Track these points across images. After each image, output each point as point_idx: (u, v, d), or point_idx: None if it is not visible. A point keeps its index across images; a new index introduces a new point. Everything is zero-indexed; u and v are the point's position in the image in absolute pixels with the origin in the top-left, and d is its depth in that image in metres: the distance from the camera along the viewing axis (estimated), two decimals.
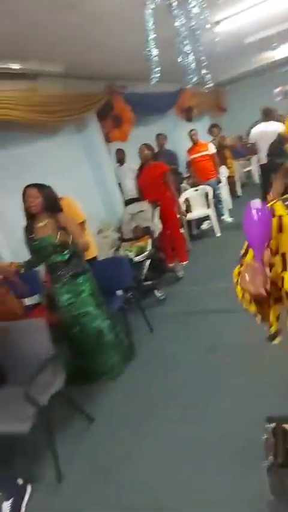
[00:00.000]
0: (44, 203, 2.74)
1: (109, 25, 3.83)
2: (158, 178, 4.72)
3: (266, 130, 5.27)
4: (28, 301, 3.95)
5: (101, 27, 3.80)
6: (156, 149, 5.84)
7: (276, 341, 1.16)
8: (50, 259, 2.85)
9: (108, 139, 6.04)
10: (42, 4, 2.94)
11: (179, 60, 2.81)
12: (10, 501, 2.06)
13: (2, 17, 2.97)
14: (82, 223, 3.72)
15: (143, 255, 4.17)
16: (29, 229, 2.85)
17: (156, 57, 2.59)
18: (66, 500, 2.10)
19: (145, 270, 4.17)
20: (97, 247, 4.12)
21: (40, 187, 2.75)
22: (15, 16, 3.00)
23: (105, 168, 5.83)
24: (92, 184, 5.69)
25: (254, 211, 1.00)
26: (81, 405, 2.61)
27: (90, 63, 4.91)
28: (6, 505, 2.05)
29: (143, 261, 4.18)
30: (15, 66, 4.02)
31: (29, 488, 2.18)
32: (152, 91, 6.58)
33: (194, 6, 2.51)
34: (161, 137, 6.43)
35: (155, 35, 2.52)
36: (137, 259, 4.14)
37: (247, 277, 0.98)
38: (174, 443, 2.24)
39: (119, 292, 3.64)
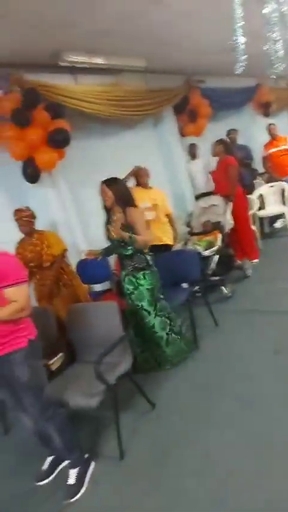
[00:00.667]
0: (114, 198, 2.86)
1: (193, 20, 3.83)
2: (226, 173, 4.65)
3: None
4: (99, 287, 4.15)
5: (185, 22, 3.82)
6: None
7: None
8: (117, 250, 2.99)
9: (182, 134, 6.06)
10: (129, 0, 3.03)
11: (264, 48, 2.72)
12: (76, 470, 2.19)
13: (90, 14, 3.12)
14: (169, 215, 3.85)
15: (211, 249, 4.13)
16: (108, 221, 3.00)
17: (243, 46, 2.54)
18: (127, 477, 2.17)
19: (213, 265, 4.13)
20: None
21: (109, 183, 2.86)
22: (101, 12, 3.13)
23: (177, 162, 5.86)
24: (164, 178, 5.74)
25: None
26: (144, 391, 2.68)
27: (170, 58, 4.96)
28: (73, 472, 2.19)
29: (211, 255, 4.15)
30: (100, 61, 4.18)
31: (93, 463, 2.30)
32: (228, 86, 6.48)
33: None
34: (232, 132, 6.28)
35: (243, 23, 2.47)
36: (205, 253, 4.11)
37: None
38: (233, 435, 2.23)
39: (185, 285, 3.65)
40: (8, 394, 2.09)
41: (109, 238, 3.01)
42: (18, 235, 3.31)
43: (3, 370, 1.99)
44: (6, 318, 1.90)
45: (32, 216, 3.28)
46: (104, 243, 3.13)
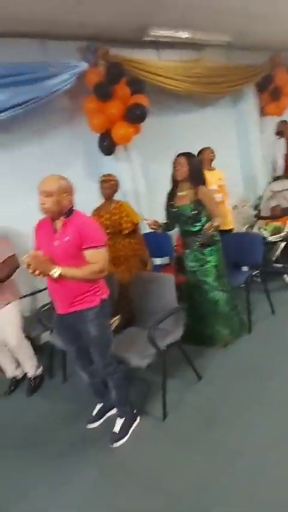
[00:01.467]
0: (189, 172, 2.89)
1: None
2: None
3: None
4: (159, 261, 4.29)
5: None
6: None
7: None
8: (183, 226, 3.05)
9: (262, 113, 5.83)
10: None
11: None
12: (122, 420, 2.42)
13: None
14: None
15: (278, 235, 4.04)
16: (171, 196, 3.06)
17: None
18: (167, 436, 2.35)
19: (278, 252, 4.05)
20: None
21: (189, 156, 2.90)
22: None
23: (253, 142, 5.66)
24: (236, 158, 5.63)
25: None
26: (193, 362, 2.81)
27: (256, 33, 4.74)
28: (119, 421, 2.41)
29: (277, 241, 4.06)
30: (185, 35, 4.15)
31: (138, 418, 2.50)
32: None
33: None
34: None
35: None
36: (271, 239, 4.04)
37: None
38: (277, 417, 2.28)
39: (245, 268, 3.65)
40: (74, 347, 2.35)
41: (173, 212, 3.04)
42: (89, 203, 3.51)
43: (76, 324, 2.22)
44: (84, 278, 2.08)
45: (117, 184, 3.47)
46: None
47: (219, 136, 5.19)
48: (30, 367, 3.10)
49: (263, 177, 5.68)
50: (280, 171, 5.53)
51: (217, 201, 3.29)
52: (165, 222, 3.22)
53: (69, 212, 2.10)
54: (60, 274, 2.00)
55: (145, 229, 3.65)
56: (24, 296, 3.32)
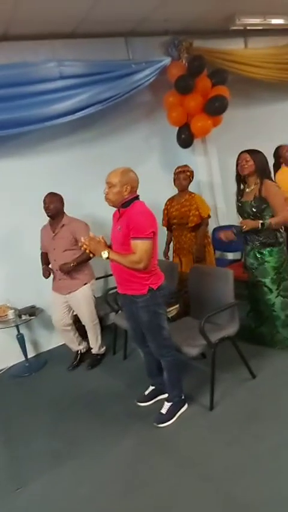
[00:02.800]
0: (255, 167, 2.82)
1: None
2: None
3: None
4: (230, 256, 4.27)
5: None
6: None
7: None
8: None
9: None
10: None
11: None
12: (170, 404, 2.54)
13: None
14: None
15: None
16: (239, 192, 3.02)
17: None
18: (211, 426, 2.41)
19: None
20: None
21: (252, 152, 2.83)
22: None
23: None
24: None
25: None
26: (248, 360, 2.79)
27: None
28: (167, 404, 2.55)
29: None
30: (275, 21, 3.96)
31: (186, 405, 2.61)
32: None
33: None
34: None
35: None
36: None
37: None
38: None
39: None
40: (133, 326, 2.54)
41: (238, 207, 3.00)
42: (164, 195, 3.64)
43: (130, 307, 2.42)
44: (125, 265, 2.21)
45: (192, 175, 3.55)
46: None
47: None
48: (96, 344, 3.40)
49: None
50: None
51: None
52: (237, 225, 3.16)
53: (129, 203, 2.25)
54: (108, 257, 2.20)
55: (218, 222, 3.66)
56: (97, 279, 3.63)
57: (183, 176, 3.48)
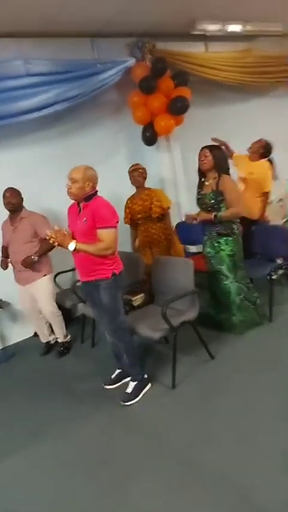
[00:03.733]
0: (213, 162, 3.05)
1: None
2: None
3: None
4: (194, 249, 4.51)
5: None
6: None
7: None
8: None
9: None
10: None
11: None
12: (135, 383, 2.74)
13: None
14: (266, 193, 3.85)
15: None
16: (200, 185, 3.25)
17: None
18: (174, 402, 2.63)
19: None
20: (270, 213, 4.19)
21: (211, 148, 3.06)
22: None
23: None
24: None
25: None
26: (208, 343, 3.02)
27: None
28: (132, 384, 2.75)
29: None
30: (234, 28, 4.20)
31: (150, 384, 2.81)
32: None
33: None
34: None
35: None
36: None
37: None
38: (278, 403, 2.42)
39: (279, 260, 3.74)
40: (98, 313, 2.73)
41: (198, 199, 3.22)
42: (130, 190, 3.82)
43: (93, 292, 2.61)
44: (94, 253, 2.42)
45: (145, 172, 3.73)
46: None
47: (272, 127, 5.08)
48: (60, 334, 3.55)
49: None
50: None
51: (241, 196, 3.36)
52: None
53: (90, 197, 2.46)
54: (75, 248, 2.37)
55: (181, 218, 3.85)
56: (65, 271, 3.78)
57: (137, 174, 3.66)
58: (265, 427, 2.23)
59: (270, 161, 3.92)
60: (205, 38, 4.40)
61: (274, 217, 4.37)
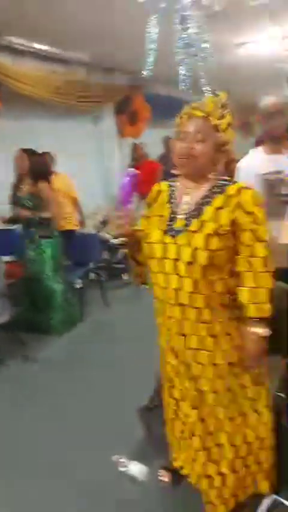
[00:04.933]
0: (29, 168, 3.09)
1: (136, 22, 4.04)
2: None
3: None
4: (7, 258, 4.31)
5: (130, 25, 3.90)
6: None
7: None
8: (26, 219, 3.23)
9: (121, 134, 6.33)
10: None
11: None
12: None
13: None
14: (75, 199, 4.08)
15: (120, 239, 4.48)
16: (16, 187, 3.23)
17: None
18: None
19: (119, 254, 4.50)
20: (86, 225, 4.44)
21: (28, 152, 3.10)
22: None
23: (111, 159, 6.13)
24: (95, 172, 5.98)
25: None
26: (27, 345, 3.04)
27: (114, 56, 5.00)
28: None
29: (120, 244, 4.50)
30: (39, 46, 4.35)
31: None
32: (175, 95, 6.82)
33: None
34: (170, 140, 6.66)
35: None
36: (115, 241, 4.47)
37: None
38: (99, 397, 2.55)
39: (92, 265, 4.01)
40: None
41: (14, 200, 3.22)
42: None
43: None
44: None
45: None
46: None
47: (77, 148, 5.42)
48: None
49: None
50: None
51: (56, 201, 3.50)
52: (12, 216, 3.35)
53: None
54: None
55: None
56: None
57: None
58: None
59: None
60: (13, 51, 4.39)
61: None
